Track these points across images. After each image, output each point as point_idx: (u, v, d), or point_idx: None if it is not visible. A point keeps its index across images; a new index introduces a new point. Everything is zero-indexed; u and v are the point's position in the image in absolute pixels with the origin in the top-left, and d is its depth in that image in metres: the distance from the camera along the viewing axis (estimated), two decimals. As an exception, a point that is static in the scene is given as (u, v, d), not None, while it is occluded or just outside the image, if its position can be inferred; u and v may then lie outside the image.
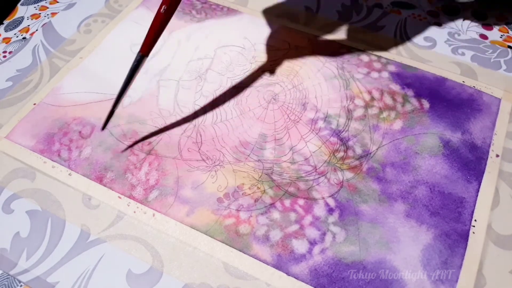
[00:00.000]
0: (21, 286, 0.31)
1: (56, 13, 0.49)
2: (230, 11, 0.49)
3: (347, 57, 0.44)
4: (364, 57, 0.44)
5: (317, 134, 0.39)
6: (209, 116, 0.40)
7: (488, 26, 0.48)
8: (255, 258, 0.32)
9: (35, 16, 0.49)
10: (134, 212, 0.34)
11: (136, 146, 0.38)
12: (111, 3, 0.50)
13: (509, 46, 0.45)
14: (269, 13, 0.48)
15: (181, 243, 0.33)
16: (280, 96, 0.41)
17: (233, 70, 0.43)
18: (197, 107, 0.41)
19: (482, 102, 0.41)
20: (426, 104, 0.40)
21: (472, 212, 0.34)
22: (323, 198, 0.35)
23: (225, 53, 0.45)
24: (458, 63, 0.44)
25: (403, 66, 0.43)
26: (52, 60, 0.44)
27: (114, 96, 0.35)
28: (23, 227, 0.34)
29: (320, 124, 0.39)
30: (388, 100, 0.41)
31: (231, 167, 0.37)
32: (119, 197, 0.35)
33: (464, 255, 0.32)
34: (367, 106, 0.40)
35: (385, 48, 0.45)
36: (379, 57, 0.44)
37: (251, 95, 0.41)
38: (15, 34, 0.47)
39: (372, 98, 0.41)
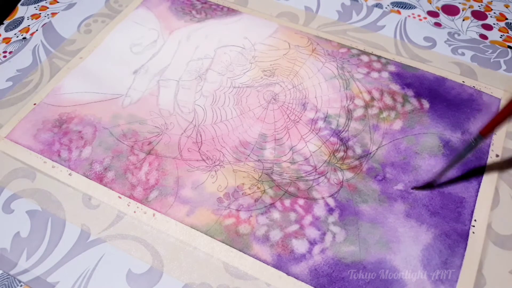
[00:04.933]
0: (21, 286, 0.31)
1: (56, 13, 0.49)
2: (230, 11, 0.49)
3: (347, 57, 0.44)
4: (364, 57, 0.44)
5: (317, 134, 0.39)
6: (209, 116, 0.40)
7: (488, 26, 0.48)
8: (255, 258, 0.32)
9: (35, 16, 0.49)
10: (134, 212, 0.34)
11: (136, 146, 0.38)
12: (111, 3, 0.50)
13: (509, 46, 0.45)
14: (269, 13, 0.48)
15: (181, 243, 0.33)
16: (280, 96, 0.41)
17: (233, 70, 0.43)
18: (197, 107, 0.41)
19: (482, 102, 0.41)
20: (426, 104, 0.40)
21: (472, 212, 0.34)
22: (323, 198, 0.35)
23: (225, 53, 0.45)
24: (458, 63, 0.44)
25: (403, 66, 0.43)
26: (52, 60, 0.44)
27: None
28: (23, 227, 0.34)
29: (320, 124, 0.39)
30: (388, 100, 0.41)
31: (231, 167, 0.37)
32: (119, 197, 0.35)
33: (464, 255, 0.32)
34: (367, 106, 0.40)
35: (385, 48, 0.45)
36: (379, 57, 0.44)
37: (251, 95, 0.41)
38: (15, 34, 0.47)
39: (372, 98, 0.41)
